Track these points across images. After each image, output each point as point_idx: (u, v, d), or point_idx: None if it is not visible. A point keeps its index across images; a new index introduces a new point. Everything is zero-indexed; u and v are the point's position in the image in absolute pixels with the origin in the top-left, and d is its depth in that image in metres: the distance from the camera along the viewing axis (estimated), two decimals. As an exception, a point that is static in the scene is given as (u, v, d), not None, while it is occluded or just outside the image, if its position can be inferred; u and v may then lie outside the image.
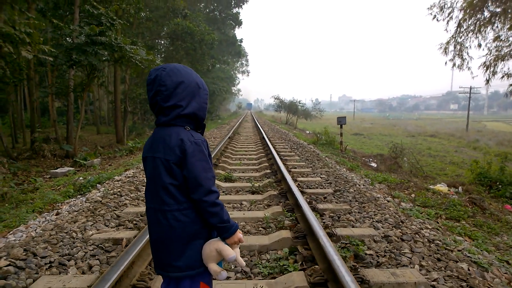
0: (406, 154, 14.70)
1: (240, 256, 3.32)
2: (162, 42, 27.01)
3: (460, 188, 9.04)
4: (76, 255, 3.06)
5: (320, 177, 6.53)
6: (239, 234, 1.60)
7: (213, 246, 1.54)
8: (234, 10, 39.17)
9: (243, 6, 39.21)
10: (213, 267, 1.53)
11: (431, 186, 8.58)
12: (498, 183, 9.42)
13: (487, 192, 9.24)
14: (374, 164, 13.55)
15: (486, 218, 6.27)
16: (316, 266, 2.87)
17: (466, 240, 4.41)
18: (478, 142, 26.42)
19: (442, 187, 8.66)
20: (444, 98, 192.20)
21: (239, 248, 1.68)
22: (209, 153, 1.60)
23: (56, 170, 9.29)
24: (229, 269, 3.01)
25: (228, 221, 1.55)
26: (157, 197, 1.54)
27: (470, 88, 43.37)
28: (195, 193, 1.50)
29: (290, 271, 2.90)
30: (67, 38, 12.21)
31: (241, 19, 40.07)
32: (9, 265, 2.71)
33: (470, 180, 10.17)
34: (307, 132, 23.55)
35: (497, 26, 14.62)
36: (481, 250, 3.97)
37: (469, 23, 15.53)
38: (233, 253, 1.54)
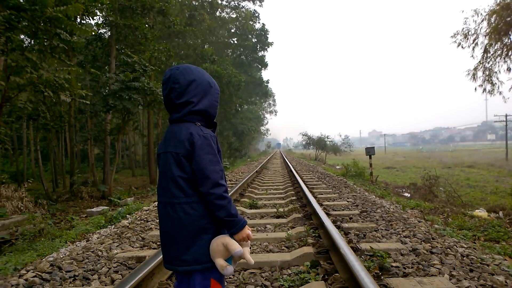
0: (441, 183, 14.06)
1: (261, 272, 3.28)
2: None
3: (500, 213, 8.47)
4: (100, 271, 3.14)
5: (347, 201, 6.39)
6: (247, 230, 1.60)
7: (220, 240, 1.54)
8: (260, 54, 40.73)
9: (268, 49, 40.77)
10: (219, 261, 1.52)
11: (469, 212, 8.11)
12: (543, 207, 8.76)
13: (532, 217, 8.58)
14: (407, 194, 13.03)
15: (529, 239, 5.81)
16: (337, 275, 2.78)
17: (506, 259, 4.08)
18: (520, 171, 24.90)
19: (481, 212, 8.15)
20: (480, 129, 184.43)
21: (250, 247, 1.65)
22: (218, 148, 1.64)
23: (92, 209, 9.62)
24: (249, 282, 2.96)
25: (236, 216, 1.56)
26: (167, 190, 1.58)
27: (506, 116, 41.62)
28: (203, 185, 1.52)
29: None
30: (104, 89, 13.14)
31: (266, 61, 41.52)
32: (35, 276, 2.83)
33: (512, 204, 9.52)
34: (337, 167, 23.14)
35: (525, 49, 14.32)
36: (523, 268, 3.66)
37: (496, 48, 15.30)
38: (239, 247, 1.53)
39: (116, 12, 13.09)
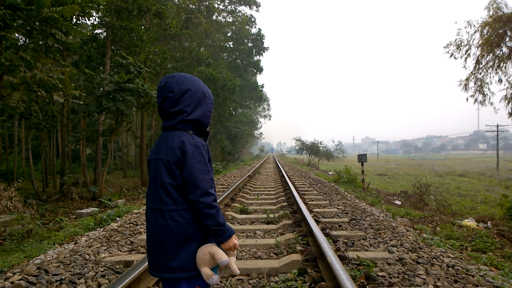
0: (432, 191, 14.17)
1: (248, 279, 3.30)
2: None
3: (489, 223, 8.56)
4: (87, 275, 3.13)
5: (337, 208, 6.43)
6: (234, 239, 1.62)
7: (207, 249, 1.55)
8: (255, 58, 40.86)
9: (263, 54, 40.90)
10: (205, 270, 1.53)
11: (458, 221, 8.19)
12: (531, 217, 8.86)
13: (520, 227, 8.69)
14: (398, 202, 13.12)
15: (516, 250, 5.89)
16: (323, 283, 2.81)
17: (492, 270, 4.12)
18: (510, 181, 25.16)
19: (470, 222, 8.24)
20: (471, 138, 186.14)
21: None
22: (209, 157, 1.66)
23: (82, 211, 9.51)
24: (236, 289, 2.98)
25: (223, 225, 1.58)
26: (157, 197, 1.59)
27: (497, 126, 42.19)
28: (192, 193, 1.54)
29: (298, 290, 2.84)
30: (98, 88, 13.08)
31: (262, 66, 41.67)
32: (21, 279, 2.82)
33: (500, 215, 9.62)
34: (330, 173, 23.22)
35: (517, 61, 14.54)
36: (508, 279, 3.70)
37: (488, 59, 15.53)
38: (225, 257, 1.54)
39: (112, 13, 13.07)
